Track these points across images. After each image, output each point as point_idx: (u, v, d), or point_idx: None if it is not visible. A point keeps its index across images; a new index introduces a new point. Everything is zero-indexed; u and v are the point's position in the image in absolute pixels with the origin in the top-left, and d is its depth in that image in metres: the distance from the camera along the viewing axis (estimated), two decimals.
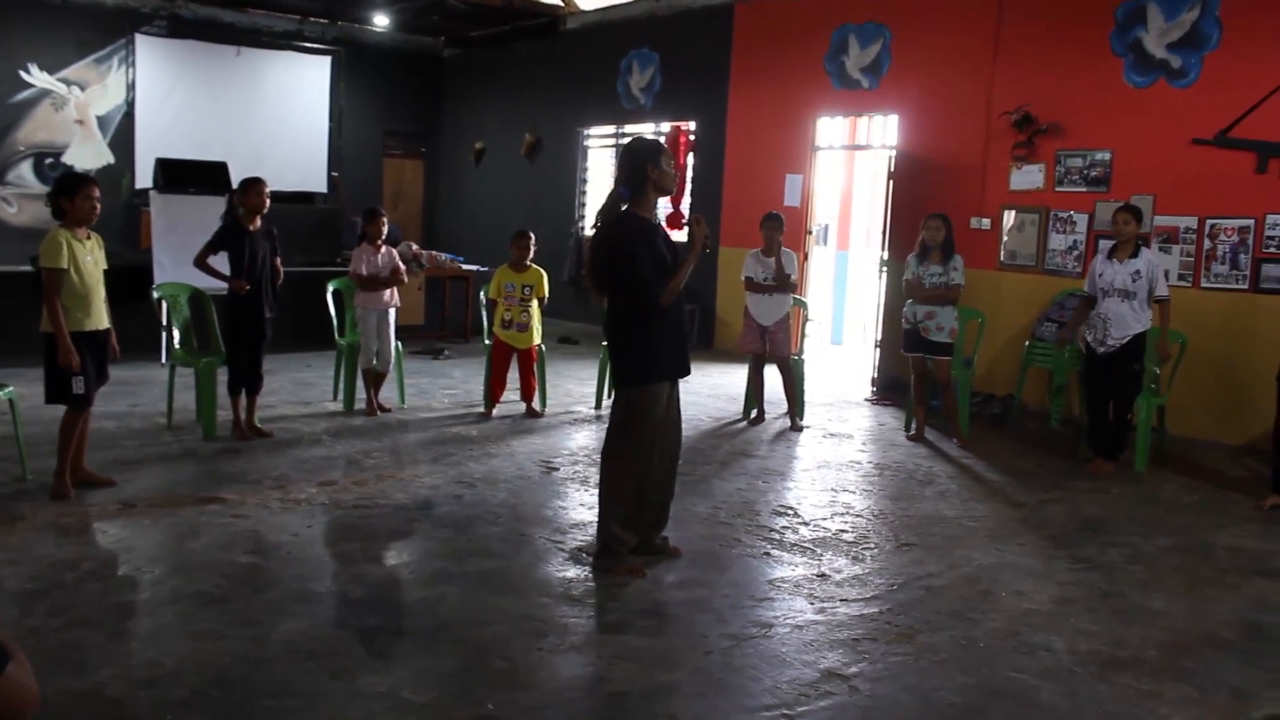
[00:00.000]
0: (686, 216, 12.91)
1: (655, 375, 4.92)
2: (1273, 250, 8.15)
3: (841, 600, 4.69)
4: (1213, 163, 8.42)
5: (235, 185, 7.74)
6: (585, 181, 14.99)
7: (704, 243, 4.87)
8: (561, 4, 14.68)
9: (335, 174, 16.20)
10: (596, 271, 5.03)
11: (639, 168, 4.90)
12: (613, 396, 5.28)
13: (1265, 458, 7.01)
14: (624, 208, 4.91)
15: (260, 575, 4.74)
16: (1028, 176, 9.58)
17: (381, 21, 15.93)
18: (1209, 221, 8.46)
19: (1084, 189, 9.22)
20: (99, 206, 5.76)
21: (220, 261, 7.21)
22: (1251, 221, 8.23)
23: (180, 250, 8.79)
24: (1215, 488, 7.10)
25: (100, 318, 5.83)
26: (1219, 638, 4.49)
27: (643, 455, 4.95)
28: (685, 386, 8.90)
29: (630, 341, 4.93)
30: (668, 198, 4.94)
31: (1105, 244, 7.94)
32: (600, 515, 5.01)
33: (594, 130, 14.86)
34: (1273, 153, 8.10)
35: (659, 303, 4.83)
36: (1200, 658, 4.26)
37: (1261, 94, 8.13)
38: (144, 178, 13.50)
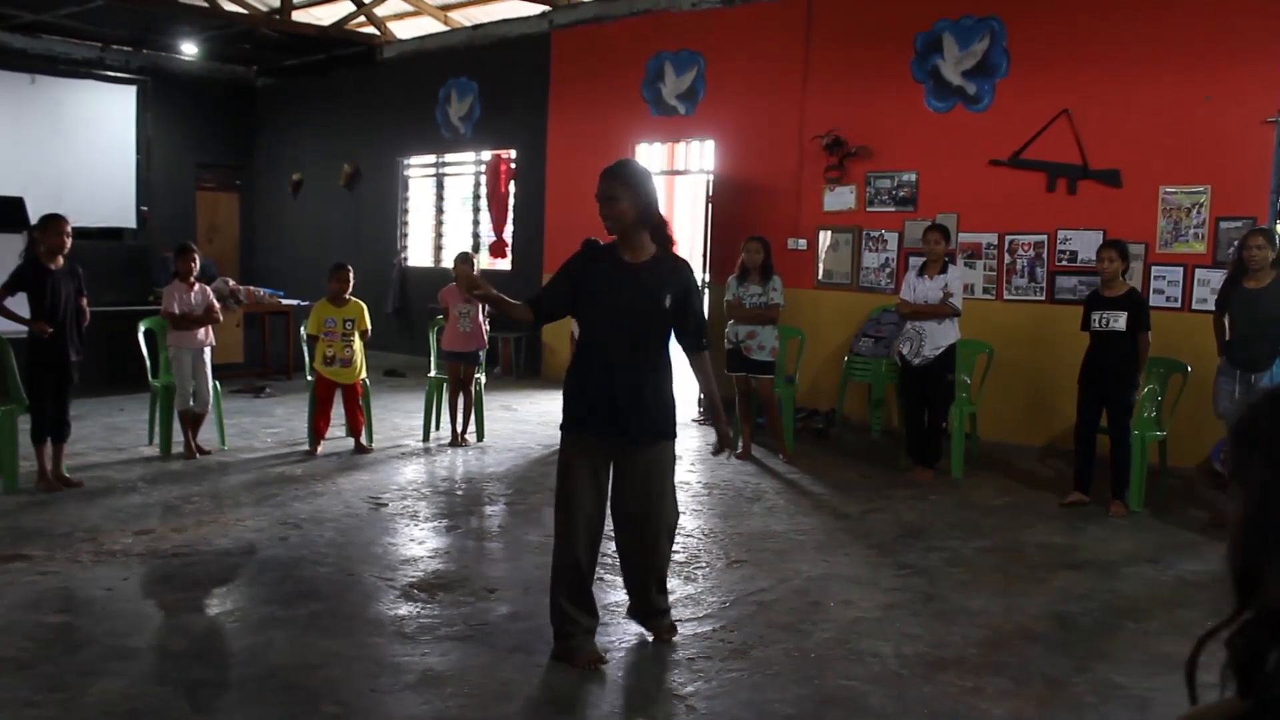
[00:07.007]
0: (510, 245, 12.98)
1: (567, 425, 4.27)
2: (1065, 263, 8.67)
3: (676, 620, 4.74)
4: (1009, 182, 8.92)
5: (34, 222, 7.36)
6: (406, 212, 14.81)
7: (474, 291, 4.33)
8: (378, 33, 14.49)
9: (145, 208, 15.51)
10: None
11: None
12: None
13: (1068, 457, 7.44)
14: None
15: (72, 634, 4.48)
16: (840, 198, 9.94)
17: (190, 50, 15.37)
18: (1008, 237, 8.95)
19: (893, 209, 9.63)
20: None
21: (19, 303, 6.83)
22: (1045, 237, 8.75)
23: None
24: (1025, 488, 7.50)
25: None
26: (1031, 631, 4.74)
27: (563, 520, 4.22)
28: (513, 414, 8.76)
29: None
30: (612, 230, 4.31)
31: (916, 261, 8.31)
32: (550, 593, 4.34)
33: (414, 160, 14.71)
34: (1060, 172, 8.64)
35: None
36: (1015, 651, 4.48)
37: (1047, 118, 8.67)
38: None
